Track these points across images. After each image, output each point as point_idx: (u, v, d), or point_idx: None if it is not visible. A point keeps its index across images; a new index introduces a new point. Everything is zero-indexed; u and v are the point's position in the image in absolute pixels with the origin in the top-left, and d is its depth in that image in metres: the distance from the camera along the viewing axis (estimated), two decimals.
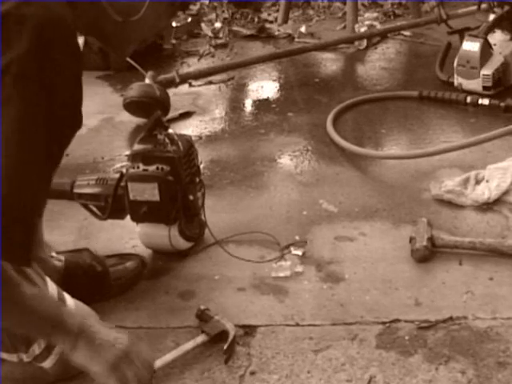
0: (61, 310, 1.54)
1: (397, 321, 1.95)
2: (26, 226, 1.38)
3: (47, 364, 1.70)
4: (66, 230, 2.41)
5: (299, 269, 2.19)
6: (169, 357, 1.79)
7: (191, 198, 2.21)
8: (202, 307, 1.95)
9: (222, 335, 1.86)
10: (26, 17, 1.30)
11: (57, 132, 1.37)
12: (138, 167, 2.18)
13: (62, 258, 2.04)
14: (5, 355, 1.67)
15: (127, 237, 2.36)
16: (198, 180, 2.28)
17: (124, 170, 2.24)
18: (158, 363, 1.75)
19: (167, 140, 2.19)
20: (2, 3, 1.31)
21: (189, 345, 1.83)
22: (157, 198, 2.15)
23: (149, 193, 2.15)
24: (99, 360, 1.55)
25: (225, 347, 1.82)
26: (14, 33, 1.29)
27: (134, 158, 2.20)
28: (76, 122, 1.42)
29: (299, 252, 2.27)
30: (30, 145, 1.32)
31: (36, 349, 1.67)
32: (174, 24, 4.31)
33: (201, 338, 1.86)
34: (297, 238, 2.34)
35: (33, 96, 1.31)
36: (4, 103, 1.28)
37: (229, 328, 1.87)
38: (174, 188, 2.16)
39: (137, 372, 1.59)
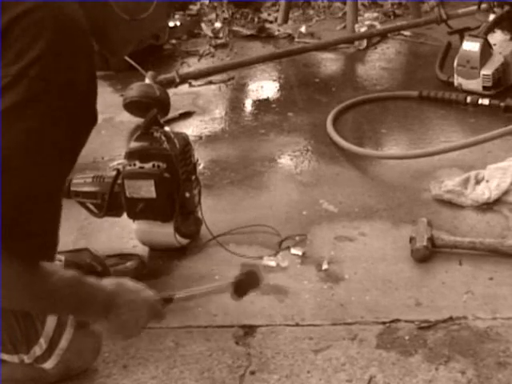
0: (93, 289, 1.52)
1: (397, 321, 1.95)
2: (55, 225, 1.44)
3: (48, 365, 1.71)
4: (65, 230, 2.38)
5: (299, 268, 2.19)
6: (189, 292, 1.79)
7: (187, 195, 2.22)
8: None
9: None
10: (43, 20, 1.30)
11: (74, 130, 1.39)
12: (135, 165, 2.19)
13: (62, 257, 2.03)
14: (5, 356, 1.67)
15: (127, 236, 2.36)
16: (194, 177, 2.28)
17: (121, 168, 2.25)
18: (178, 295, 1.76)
19: (163, 138, 2.20)
20: (16, 5, 1.31)
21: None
22: (153, 195, 2.16)
23: (145, 190, 2.16)
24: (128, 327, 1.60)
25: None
26: (30, 36, 1.30)
27: (131, 155, 2.21)
28: (91, 118, 1.43)
29: (299, 252, 2.27)
30: (49, 144, 1.33)
31: (37, 350, 1.67)
32: (170, 24, 4.29)
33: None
34: (297, 238, 2.35)
35: (51, 97, 1.31)
36: (23, 105, 1.29)
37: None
38: (171, 185, 2.17)
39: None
